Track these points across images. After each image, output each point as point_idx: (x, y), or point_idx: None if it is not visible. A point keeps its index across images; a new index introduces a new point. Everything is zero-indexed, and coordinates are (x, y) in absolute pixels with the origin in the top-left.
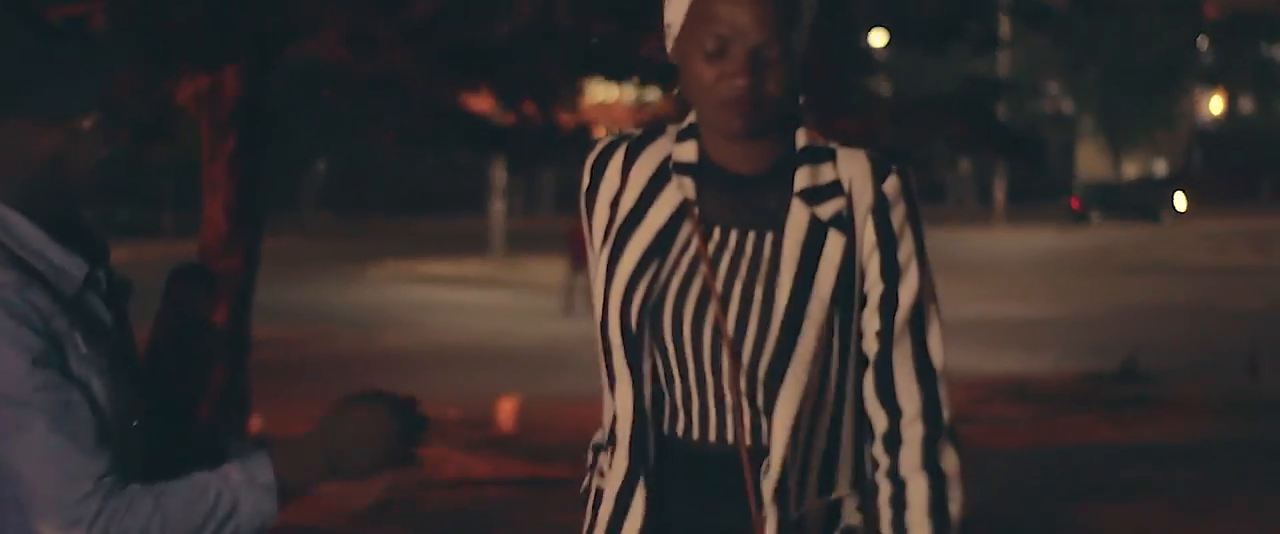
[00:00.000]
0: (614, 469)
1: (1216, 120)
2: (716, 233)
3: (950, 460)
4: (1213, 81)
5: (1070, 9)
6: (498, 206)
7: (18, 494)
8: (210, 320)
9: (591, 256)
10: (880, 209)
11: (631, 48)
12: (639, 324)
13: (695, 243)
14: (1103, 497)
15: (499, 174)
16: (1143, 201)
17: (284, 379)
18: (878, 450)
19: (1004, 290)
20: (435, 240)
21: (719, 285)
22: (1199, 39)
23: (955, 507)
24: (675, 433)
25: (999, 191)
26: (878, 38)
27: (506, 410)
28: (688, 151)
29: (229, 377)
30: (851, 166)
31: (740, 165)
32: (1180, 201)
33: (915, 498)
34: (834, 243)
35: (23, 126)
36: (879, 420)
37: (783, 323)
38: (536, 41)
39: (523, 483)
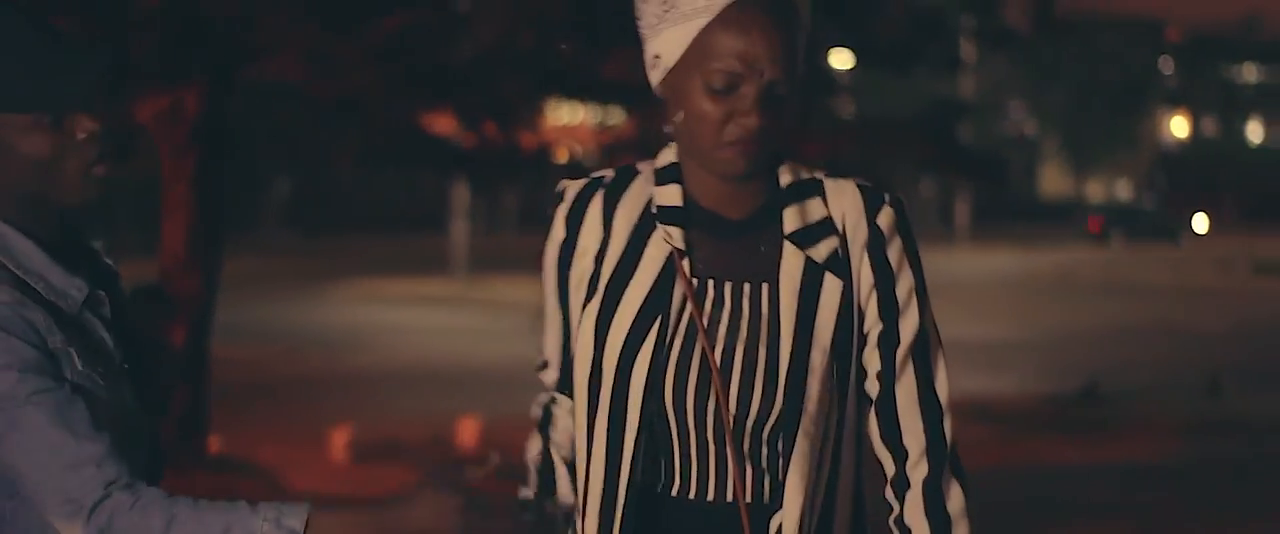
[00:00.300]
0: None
1: (1180, 142)
2: (710, 288)
3: (955, 500)
4: (1176, 103)
5: (1033, 32)
6: (460, 226)
7: (23, 491)
8: (168, 342)
9: (552, 305)
10: (875, 245)
11: (593, 69)
12: (633, 390)
13: (690, 306)
14: (1065, 518)
15: (461, 194)
16: (1162, 223)
17: (245, 400)
18: (888, 494)
19: (966, 311)
20: (397, 260)
21: (718, 353)
22: (1162, 61)
23: None
24: (670, 493)
25: (961, 212)
26: (841, 59)
27: (467, 430)
28: (671, 195)
29: (189, 398)
30: (842, 201)
31: (729, 209)
32: (1200, 223)
33: None
34: (831, 287)
35: (12, 122)
36: (887, 463)
37: (787, 382)
38: (498, 63)
39: (488, 503)
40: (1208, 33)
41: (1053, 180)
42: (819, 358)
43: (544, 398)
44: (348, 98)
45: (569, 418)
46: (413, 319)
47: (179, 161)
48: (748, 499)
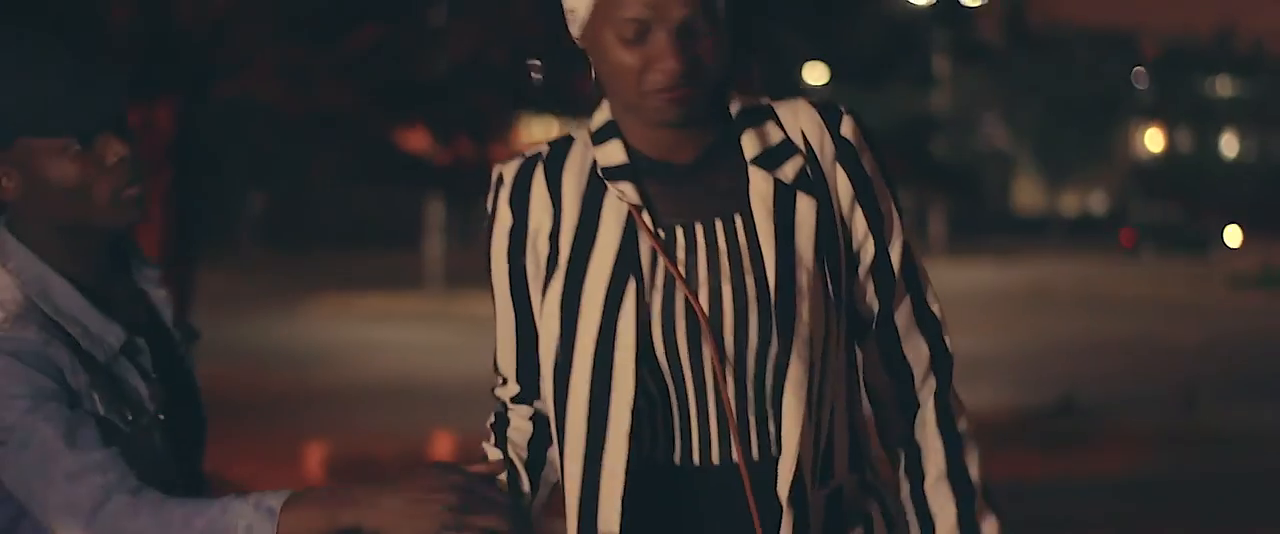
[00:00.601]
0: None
1: (1154, 156)
2: (679, 235)
3: (964, 420)
4: (1150, 117)
5: (1006, 46)
6: (434, 241)
7: (31, 507)
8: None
9: (503, 306)
10: (847, 158)
11: (566, 84)
12: (620, 358)
13: (661, 258)
14: (1039, 531)
15: (435, 209)
16: (1193, 236)
17: (218, 416)
18: (892, 415)
19: None
20: (372, 275)
21: (704, 297)
22: (1135, 74)
23: (975, 470)
24: (671, 461)
25: (936, 226)
26: (815, 74)
27: (443, 447)
28: (614, 153)
29: None
30: (798, 119)
31: (678, 154)
32: (1233, 236)
33: (933, 465)
34: (805, 206)
35: (40, 147)
36: (888, 388)
37: (778, 307)
38: (471, 78)
39: None
40: (1181, 45)
41: (1027, 193)
42: (805, 279)
43: (497, 406)
44: (321, 113)
45: (526, 422)
46: (387, 334)
47: (152, 177)
48: (753, 453)
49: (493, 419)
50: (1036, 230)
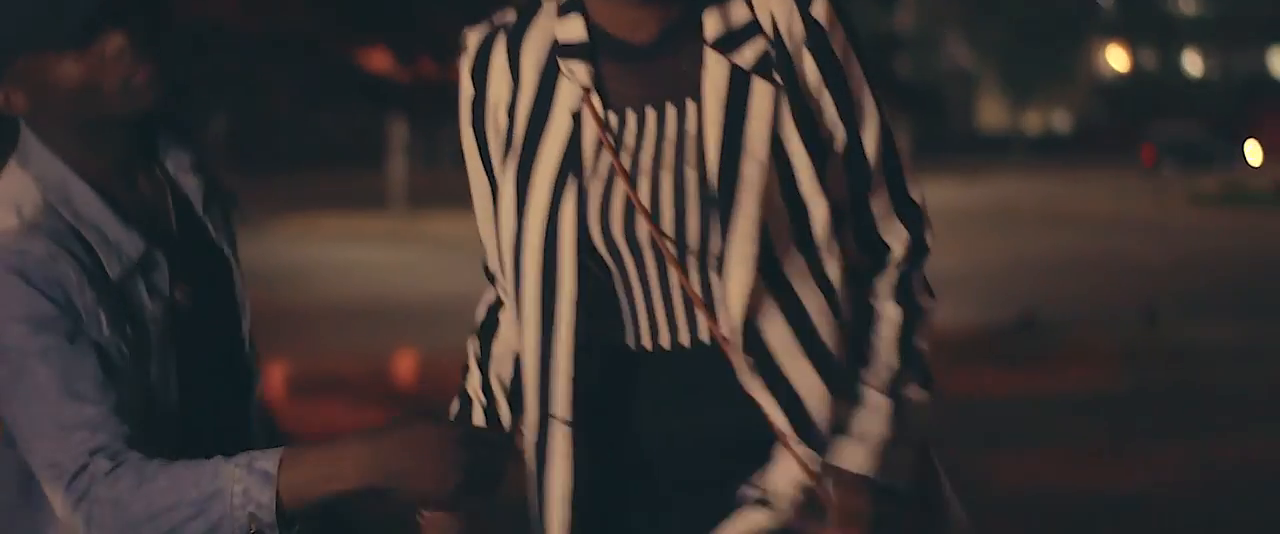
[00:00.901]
0: (527, 419)
1: (1118, 74)
2: (628, 119)
3: (928, 298)
4: (1113, 35)
5: None
6: (397, 162)
7: (19, 446)
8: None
9: (478, 180)
10: (816, 40)
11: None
12: (564, 244)
13: (605, 144)
14: (998, 447)
15: (398, 130)
16: (1213, 153)
17: None
18: (860, 289)
19: None
20: (336, 196)
21: (647, 187)
22: None
23: (925, 343)
24: (639, 345)
25: (899, 144)
26: None
27: (405, 366)
28: (574, 28)
29: None
30: (768, 1)
31: (637, 33)
32: (1253, 153)
33: (887, 327)
34: (761, 93)
35: (38, 62)
36: (861, 265)
37: (720, 201)
38: None
39: None
40: None
41: (991, 112)
42: (753, 170)
43: (490, 296)
44: (281, 34)
45: (512, 331)
46: (352, 255)
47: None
48: (704, 340)
49: (478, 328)
50: (1000, 149)
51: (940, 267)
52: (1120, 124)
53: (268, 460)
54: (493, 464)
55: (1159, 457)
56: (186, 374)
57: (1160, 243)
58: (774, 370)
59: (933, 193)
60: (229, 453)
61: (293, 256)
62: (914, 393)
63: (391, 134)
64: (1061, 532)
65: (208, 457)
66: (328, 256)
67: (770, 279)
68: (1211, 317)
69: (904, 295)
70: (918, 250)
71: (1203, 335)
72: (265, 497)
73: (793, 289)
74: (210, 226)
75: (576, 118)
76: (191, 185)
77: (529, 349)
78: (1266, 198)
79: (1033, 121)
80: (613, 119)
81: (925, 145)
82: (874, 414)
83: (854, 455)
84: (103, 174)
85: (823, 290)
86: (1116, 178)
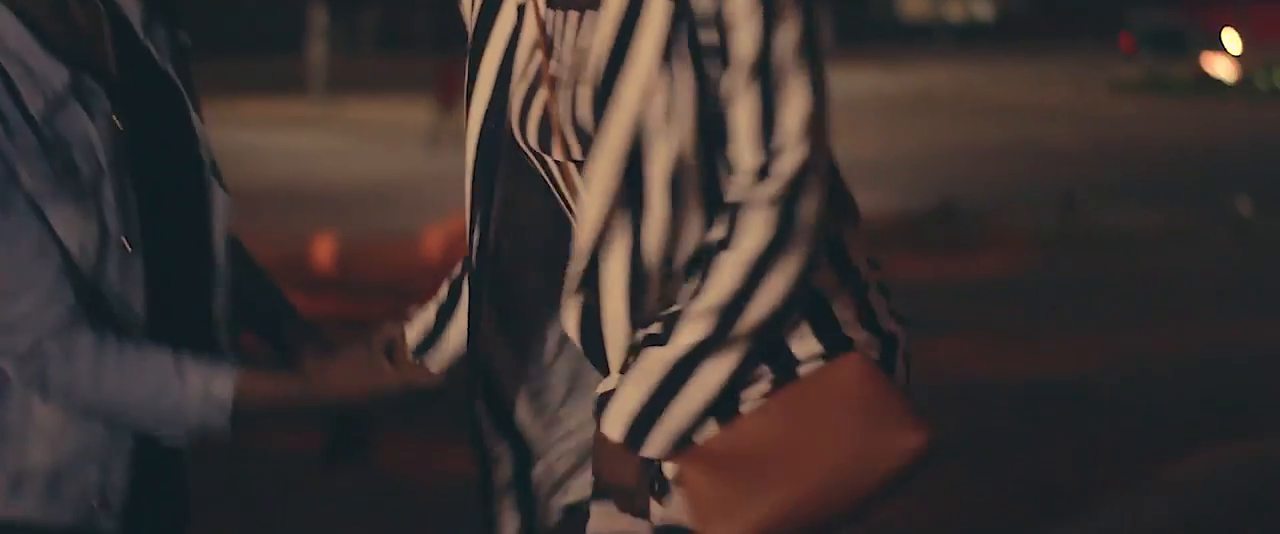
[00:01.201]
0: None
1: None
2: (558, 22)
3: (795, 237)
4: None
5: None
6: (317, 47)
7: None
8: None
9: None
10: None
11: None
12: (504, 143)
13: (539, 48)
14: (918, 332)
15: (319, 14)
16: (1190, 40)
17: None
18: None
19: None
20: (254, 80)
21: (560, 98)
22: None
23: (761, 283)
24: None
25: (822, 33)
26: None
27: (324, 250)
28: None
29: None
30: None
31: None
32: (1232, 42)
33: (709, 262)
34: (657, 9)
35: None
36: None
37: (594, 116)
38: None
39: (340, 322)
40: None
41: (913, 1)
42: (629, 92)
43: None
44: None
45: None
46: (272, 140)
47: None
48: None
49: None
50: (922, 37)
51: (862, 154)
52: (1041, 14)
53: (221, 387)
54: (423, 395)
55: (1075, 341)
56: (144, 199)
57: (1079, 131)
58: (594, 314)
59: (854, 82)
60: (193, 282)
61: (212, 140)
62: (716, 338)
63: (312, 18)
64: (980, 415)
65: (171, 283)
66: (247, 141)
67: (629, 211)
68: (1127, 203)
69: (745, 227)
70: (778, 179)
71: (1118, 222)
72: (219, 422)
73: (643, 227)
74: (153, 50)
75: (520, 11)
76: (131, 7)
77: (472, 252)
78: (1186, 85)
79: (954, 10)
80: (550, 19)
81: (847, 34)
82: (640, 371)
83: (611, 421)
84: (30, 6)
85: (678, 230)
86: (1037, 67)
